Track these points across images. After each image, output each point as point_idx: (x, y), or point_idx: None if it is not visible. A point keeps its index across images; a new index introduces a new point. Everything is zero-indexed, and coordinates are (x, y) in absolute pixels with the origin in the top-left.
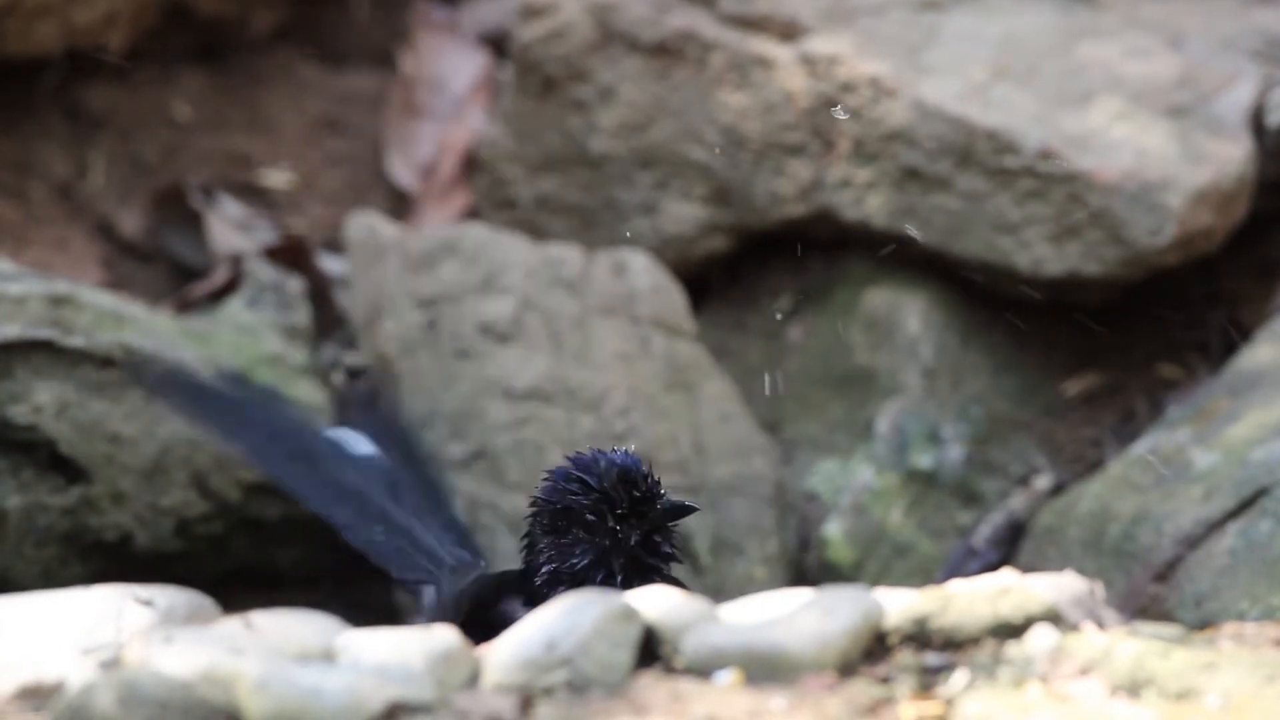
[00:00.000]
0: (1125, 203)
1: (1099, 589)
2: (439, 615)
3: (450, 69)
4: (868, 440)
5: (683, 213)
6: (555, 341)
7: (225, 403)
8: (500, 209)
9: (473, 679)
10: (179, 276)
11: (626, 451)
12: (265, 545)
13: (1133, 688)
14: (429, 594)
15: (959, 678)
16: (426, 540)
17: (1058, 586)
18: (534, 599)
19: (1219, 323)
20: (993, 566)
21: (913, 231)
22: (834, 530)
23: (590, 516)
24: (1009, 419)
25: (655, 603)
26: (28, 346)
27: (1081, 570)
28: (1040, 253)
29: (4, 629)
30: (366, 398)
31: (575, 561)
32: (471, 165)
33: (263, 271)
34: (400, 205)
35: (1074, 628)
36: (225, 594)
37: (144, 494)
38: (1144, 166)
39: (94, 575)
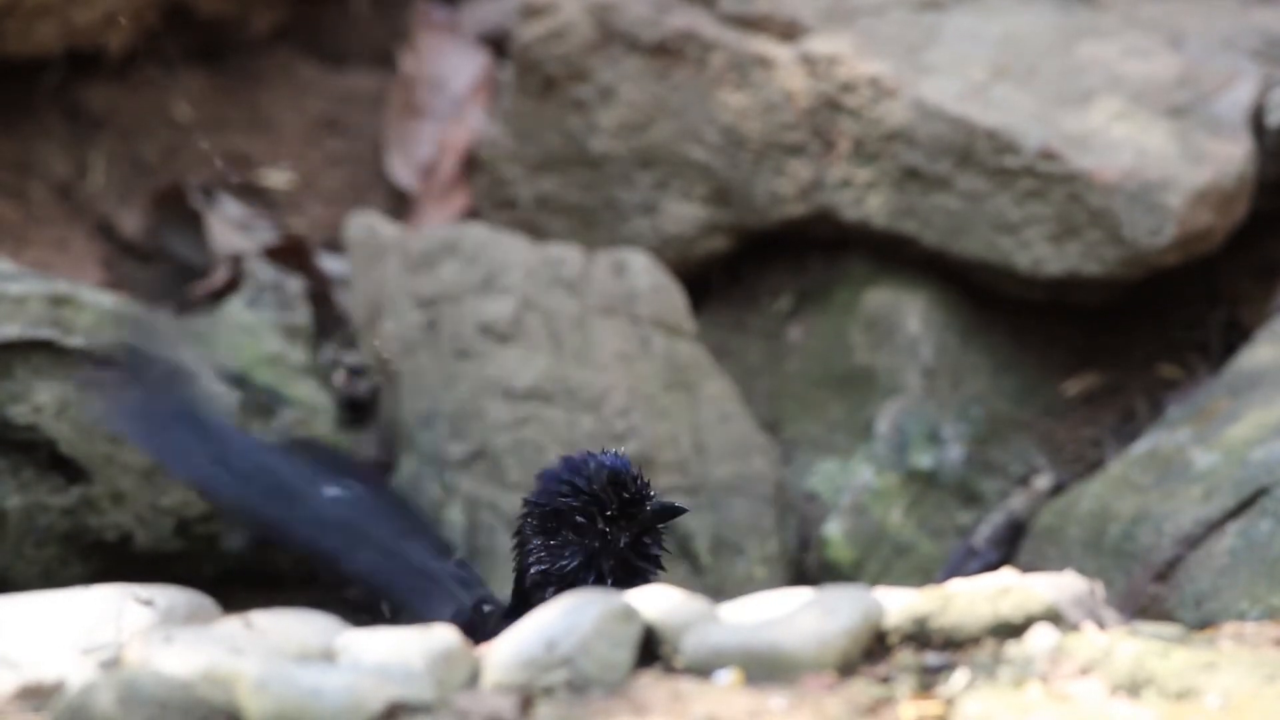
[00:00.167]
0: (1125, 203)
1: (1099, 589)
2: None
3: (450, 69)
4: (868, 440)
5: (683, 213)
6: (555, 341)
7: (199, 436)
8: (500, 209)
9: (473, 679)
10: (179, 276)
11: (616, 453)
12: (265, 545)
13: (1133, 688)
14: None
15: (959, 677)
16: (425, 563)
17: (1058, 586)
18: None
19: (1219, 323)
20: (993, 566)
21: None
22: (834, 530)
23: (580, 518)
24: (1009, 419)
25: (655, 602)
26: (28, 346)
27: (1081, 570)
28: (1040, 253)
29: (4, 629)
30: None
31: (565, 563)
32: (471, 165)
33: (263, 271)
34: (400, 205)
35: (1074, 628)
36: (225, 594)
37: (144, 494)
38: (1144, 166)
39: (94, 575)
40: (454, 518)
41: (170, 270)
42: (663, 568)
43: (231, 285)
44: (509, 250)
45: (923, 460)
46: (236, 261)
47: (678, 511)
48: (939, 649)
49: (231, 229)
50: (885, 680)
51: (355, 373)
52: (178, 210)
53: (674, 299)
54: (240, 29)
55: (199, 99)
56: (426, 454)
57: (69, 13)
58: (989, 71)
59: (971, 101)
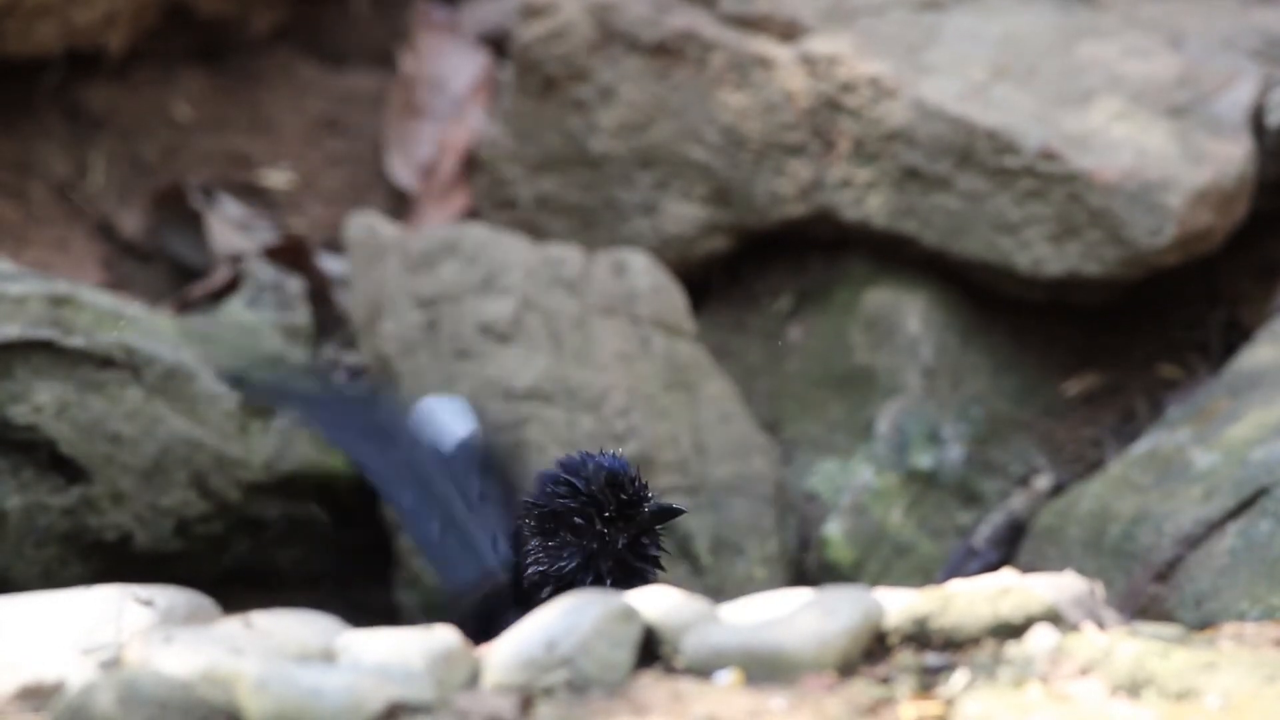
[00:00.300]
0: (1125, 203)
1: (1099, 589)
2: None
3: (450, 69)
4: (868, 440)
5: (683, 213)
6: (555, 341)
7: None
8: (500, 209)
9: (473, 679)
10: (179, 276)
11: (614, 454)
12: (265, 545)
13: (1133, 688)
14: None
15: (959, 678)
16: (479, 541)
17: (1058, 586)
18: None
19: (1219, 323)
20: (993, 566)
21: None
22: (834, 530)
23: (578, 519)
24: (1009, 419)
25: (655, 603)
26: (28, 346)
27: (1081, 570)
28: (1040, 253)
29: (4, 629)
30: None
31: (563, 564)
32: (471, 165)
33: (263, 271)
34: (400, 205)
35: (1074, 628)
36: (225, 594)
37: (144, 494)
38: (1144, 166)
39: (94, 575)
40: None
41: (170, 270)
42: (662, 568)
43: (231, 285)
44: (509, 250)
45: (923, 460)
46: (236, 261)
47: (676, 513)
48: (939, 649)
49: (231, 229)
50: (885, 680)
51: (355, 373)
52: (178, 210)
53: (674, 299)
54: (240, 29)
55: (199, 99)
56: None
57: (69, 13)
58: (989, 71)
59: (971, 101)
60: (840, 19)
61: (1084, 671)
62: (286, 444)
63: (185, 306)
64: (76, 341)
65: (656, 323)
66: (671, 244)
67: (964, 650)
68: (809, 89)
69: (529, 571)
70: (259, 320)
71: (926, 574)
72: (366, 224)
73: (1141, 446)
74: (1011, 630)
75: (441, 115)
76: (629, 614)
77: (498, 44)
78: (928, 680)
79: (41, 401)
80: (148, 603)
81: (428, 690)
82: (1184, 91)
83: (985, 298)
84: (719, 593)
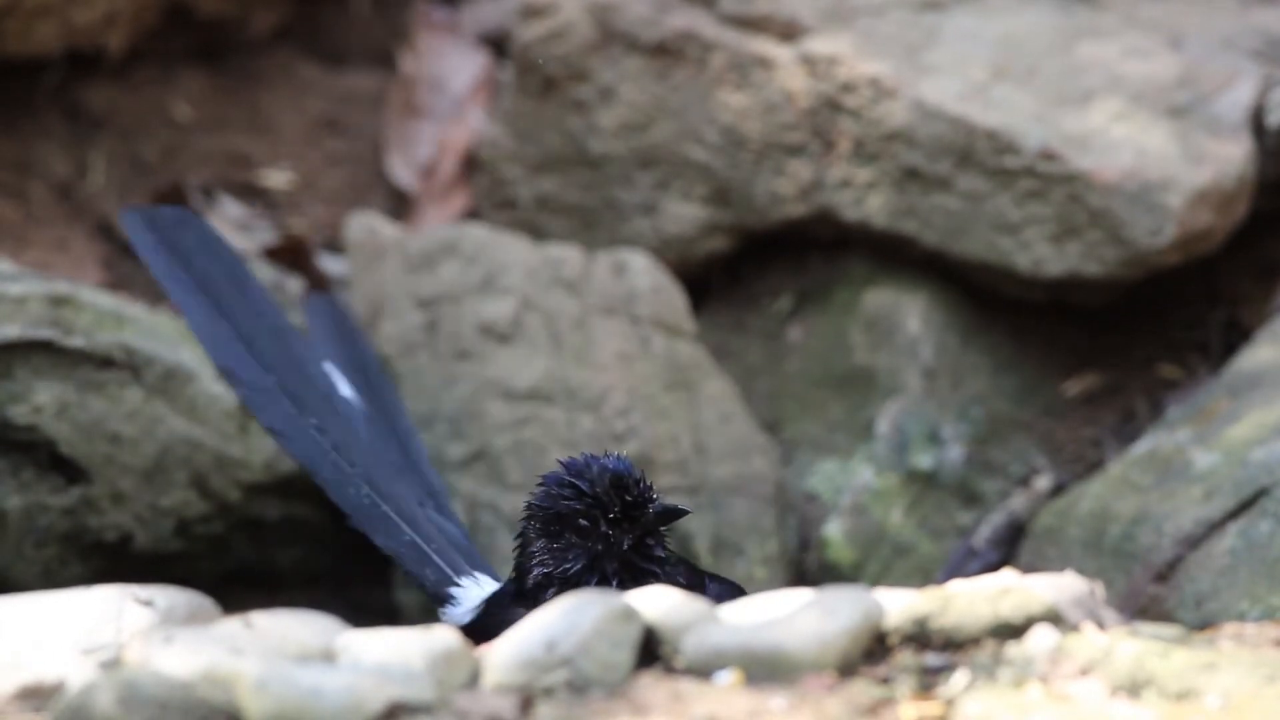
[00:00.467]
0: (1125, 203)
1: (1099, 589)
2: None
3: (450, 69)
4: (868, 440)
5: (683, 213)
6: (555, 341)
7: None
8: (500, 209)
9: (473, 679)
10: None
11: (618, 456)
12: (265, 545)
13: (1133, 688)
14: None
15: (959, 678)
16: (411, 509)
17: (1058, 587)
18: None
19: (1219, 323)
20: (993, 566)
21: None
22: (834, 530)
23: (583, 521)
24: (1009, 419)
25: (655, 603)
26: (28, 346)
27: (1081, 570)
28: (1040, 253)
29: (4, 629)
30: (326, 308)
31: (568, 566)
32: (471, 165)
33: (263, 271)
34: (400, 205)
35: (1074, 628)
36: (225, 594)
37: (144, 494)
38: (1144, 166)
39: (94, 575)
40: None
41: None
42: (669, 567)
43: None
44: (509, 250)
45: (923, 460)
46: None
47: (680, 513)
48: (939, 649)
49: (231, 229)
50: (885, 681)
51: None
52: None
53: (674, 299)
54: (240, 29)
55: (199, 99)
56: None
57: (69, 13)
58: (989, 72)
59: (971, 102)
60: (840, 19)
61: (1084, 671)
62: None
63: None
64: (76, 341)
65: (656, 323)
66: (671, 244)
67: (964, 650)
68: (809, 89)
69: (533, 574)
70: None
71: (926, 574)
72: (366, 224)
73: (1141, 446)
74: (1011, 630)
75: (441, 115)
76: (629, 614)
77: (498, 44)
78: (928, 680)
79: (41, 401)
80: (148, 603)
81: (428, 690)
82: (1184, 92)
83: (985, 298)
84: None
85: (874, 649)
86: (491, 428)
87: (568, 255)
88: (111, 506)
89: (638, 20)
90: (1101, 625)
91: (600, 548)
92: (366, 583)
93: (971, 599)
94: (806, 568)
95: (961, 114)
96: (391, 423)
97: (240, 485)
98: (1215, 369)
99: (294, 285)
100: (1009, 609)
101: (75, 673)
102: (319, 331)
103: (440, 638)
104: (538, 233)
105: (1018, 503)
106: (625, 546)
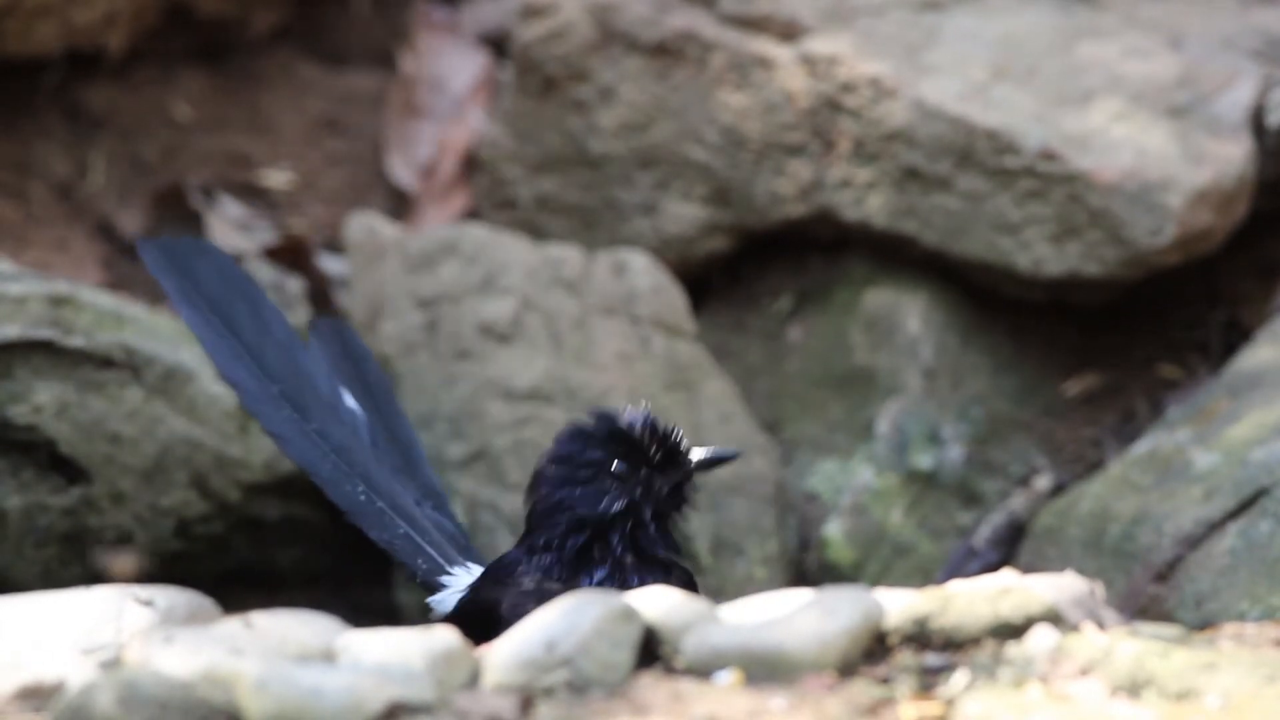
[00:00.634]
0: (1125, 203)
1: (1099, 589)
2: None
3: (450, 69)
4: (868, 440)
5: (683, 213)
6: (555, 341)
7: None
8: (500, 209)
9: (473, 679)
10: None
11: (644, 410)
12: (265, 545)
13: (1133, 688)
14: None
15: (959, 678)
16: (407, 506)
17: (1058, 587)
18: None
19: (1219, 323)
20: (993, 566)
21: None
22: (834, 530)
23: (620, 465)
24: (1009, 419)
25: (655, 603)
26: (28, 346)
27: (1081, 570)
28: (1040, 253)
29: (4, 629)
30: (334, 332)
31: (604, 508)
32: (471, 165)
33: (263, 271)
34: (400, 205)
35: (1074, 628)
36: (225, 594)
37: (144, 494)
38: (1144, 166)
39: (94, 575)
40: None
41: None
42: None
43: None
44: (509, 250)
45: (923, 460)
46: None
47: (730, 457)
48: (939, 649)
49: (231, 229)
50: (885, 681)
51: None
52: (178, 210)
53: (674, 299)
54: (240, 29)
55: (199, 99)
56: (427, 455)
57: (69, 13)
58: (989, 72)
59: (971, 102)
60: (840, 19)
61: (1084, 671)
62: None
63: None
64: (76, 341)
65: (656, 323)
66: (672, 244)
67: (964, 650)
68: (809, 89)
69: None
70: None
71: (926, 574)
72: (366, 224)
73: (1141, 447)
74: (1011, 630)
75: (441, 115)
76: (629, 614)
77: (498, 44)
78: (928, 680)
79: (41, 401)
80: (148, 603)
81: (428, 690)
82: (1184, 92)
83: (985, 298)
84: (719, 593)
85: (874, 649)
86: (491, 428)
87: (568, 255)
88: (111, 506)
89: (638, 20)
90: (1101, 625)
91: (640, 491)
92: (366, 583)
93: (971, 599)
94: (806, 568)
95: (961, 114)
96: (395, 435)
97: (240, 485)
98: (1215, 369)
99: (294, 285)
100: (1009, 609)
101: (75, 673)
102: (327, 355)
103: (440, 638)
104: (538, 233)
105: (1018, 503)
106: (664, 491)
